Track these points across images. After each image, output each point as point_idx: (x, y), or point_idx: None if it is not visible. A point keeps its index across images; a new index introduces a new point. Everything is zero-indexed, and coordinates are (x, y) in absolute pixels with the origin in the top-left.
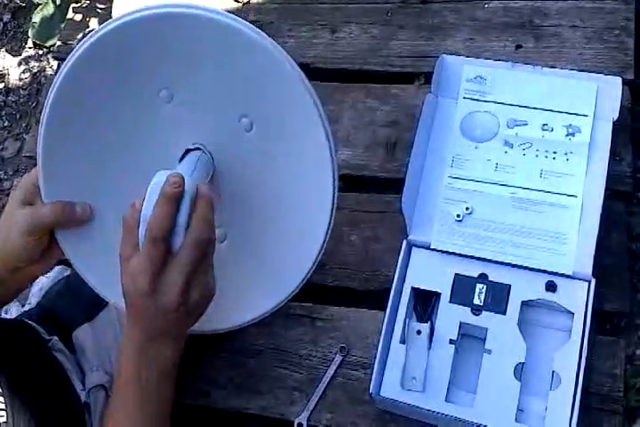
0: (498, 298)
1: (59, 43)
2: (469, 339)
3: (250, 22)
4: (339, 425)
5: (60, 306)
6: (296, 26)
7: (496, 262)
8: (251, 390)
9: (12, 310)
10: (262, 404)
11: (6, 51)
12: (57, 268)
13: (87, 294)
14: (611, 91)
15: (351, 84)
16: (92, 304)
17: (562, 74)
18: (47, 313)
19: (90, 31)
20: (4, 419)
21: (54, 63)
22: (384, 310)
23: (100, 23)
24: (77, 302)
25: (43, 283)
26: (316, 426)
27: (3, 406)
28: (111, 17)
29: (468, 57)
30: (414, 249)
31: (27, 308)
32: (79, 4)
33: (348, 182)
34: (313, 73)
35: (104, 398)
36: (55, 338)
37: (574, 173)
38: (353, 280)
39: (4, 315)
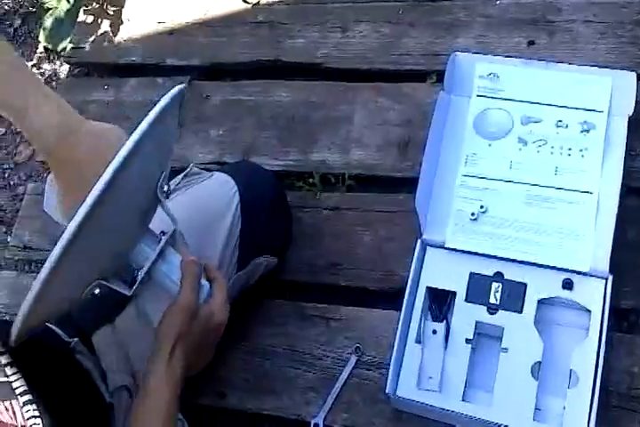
0: (514, 297)
1: (70, 46)
2: (486, 338)
3: (260, 23)
4: (355, 425)
5: (77, 310)
6: (306, 26)
7: (512, 261)
8: (266, 391)
9: None
10: (278, 404)
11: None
12: None
13: (105, 294)
14: (625, 86)
15: (362, 84)
16: (111, 307)
17: (575, 70)
18: (65, 316)
19: (102, 35)
20: (28, 397)
21: (65, 67)
22: (399, 309)
23: (111, 26)
24: (95, 305)
25: None
26: (332, 426)
27: (37, 413)
28: (121, 20)
29: (480, 54)
30: (429, 248)
31: None
32: (89, 7)
33: (361, 182)
34: (324, 73)
35: (127, 399)
36: (76, 340)
37: (590, 169)
38: (367, 280)
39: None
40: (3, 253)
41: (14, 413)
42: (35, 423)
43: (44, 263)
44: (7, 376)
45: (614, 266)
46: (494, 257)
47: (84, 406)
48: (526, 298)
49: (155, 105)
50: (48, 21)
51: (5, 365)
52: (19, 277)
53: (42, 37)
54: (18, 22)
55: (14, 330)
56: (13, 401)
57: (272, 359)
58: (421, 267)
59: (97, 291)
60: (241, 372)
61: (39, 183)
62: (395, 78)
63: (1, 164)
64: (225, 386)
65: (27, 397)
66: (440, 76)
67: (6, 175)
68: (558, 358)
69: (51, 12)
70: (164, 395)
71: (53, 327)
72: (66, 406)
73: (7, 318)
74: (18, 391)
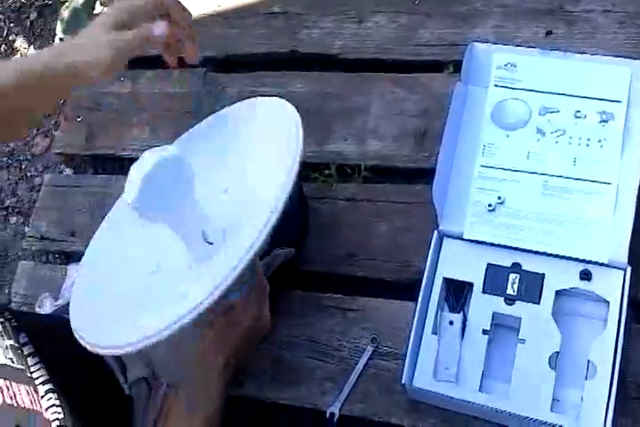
0: (531, 287)
1: None
2: (503, 329)
3: (275, 14)
4: (371, 415)
5: None
6: (322, 16)
7: (529, 252)
8: (283, 381)
9: (47, 304)
10: (295, 394)
11: (34, 48)
12: None
13: None
14: None
15: (379, 74)
16: None
17: (594, 59)
18: None
19: None
20: (60, 415)
21: None
22: (415, 300)
23: None
24: None
25: (75, 278)
26: (348, 416)
27: (58, 402)
28: None
29: (497, 44)
30: (445, 239)
31: (60, 302)
32: None
33: (378, 173)
34: (340, 63)
35: (146, 392)
36: None
37: (608, 160)
38: (383, 271)
39: (37, 309)
40: (20, 243)
41: (35, 399)
42: (56, 411)
43: (60, 254)
44: (29, 367)
45: (633, 257)
46: (512, 248)
47: (103, 399)
48: (544, 289)
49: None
50: (65, 13)
51: (28, 355)
52: (36, 267)
53: (59, 29)
54: (34, 15)
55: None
56: (34, 388)
57: (289, 350)
58: (438, 258)
59: None
60: (258, 362)
61: (56, 174)
62: (411, 69)
63: (18, 155)
64: (242, 376)
65: (48, 386)
66: (457, 66)
67: (23, 166)
68: (576, 350)
69: (67, 4)
70: (211, 398)
71: None
72: (85, 398)
73: (25, 308)
74: (39, 381)
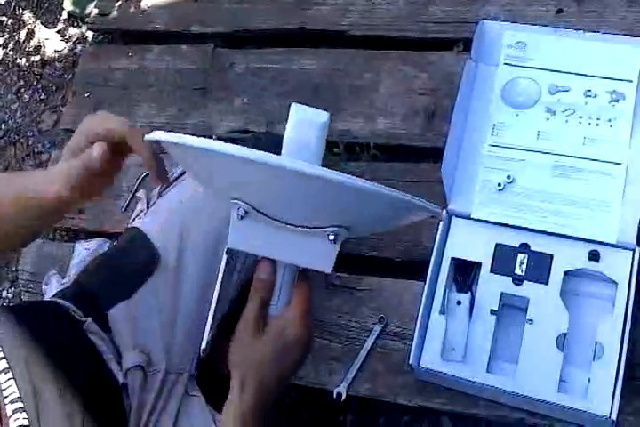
0: (540, 268)
1: (95, 12)
2: (511, 309)
3: None
4: (378, 395)
5: (96, 284)
6: None
7: (538, 232)
8: None
9: (53, 282)
10: (301, 374)
11: (42, 23)
12: (95, 240)
13: (126, 270)
14: None
15: (388, 52)
16: (131, 281)
17: (605, 38)
18: (83, 292)
19: (127, 1)
20: (19, 405)
21: (89, 35)
22: (423, 280)
23: None
24: (115, 280)
25: (82, 255)
26: (355, 396)
27: (27, 422)
28: None
29: (508, 22)
30: (454, 219)
31: (66, 280)
32: None
33: (386, 152)
34: (349, 40)
35: (142, 379)
36: (89, 320)
37: (618, 139)
38: (391, 251)
39: (44, 287)
40: None
41: None
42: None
43: (67, 231)
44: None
45: None
46: (520, 228)
47: (93, 388)
48: (552, 269)
49: None
50: None
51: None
52: (42, 244)
53: (66, 3)
54: None
55: None
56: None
57: None
58: (446, 237)
59: None
60: None
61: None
62: (421, 46)
63: (25, 131)
64: None
65: (17, 404)
66: (467, 44)
67: (30, 143)
68: (584, 330)
69: None
70: None
71: (68, 305)
72: (73, 387)
73: (31, 286)
74: (8, 399)
